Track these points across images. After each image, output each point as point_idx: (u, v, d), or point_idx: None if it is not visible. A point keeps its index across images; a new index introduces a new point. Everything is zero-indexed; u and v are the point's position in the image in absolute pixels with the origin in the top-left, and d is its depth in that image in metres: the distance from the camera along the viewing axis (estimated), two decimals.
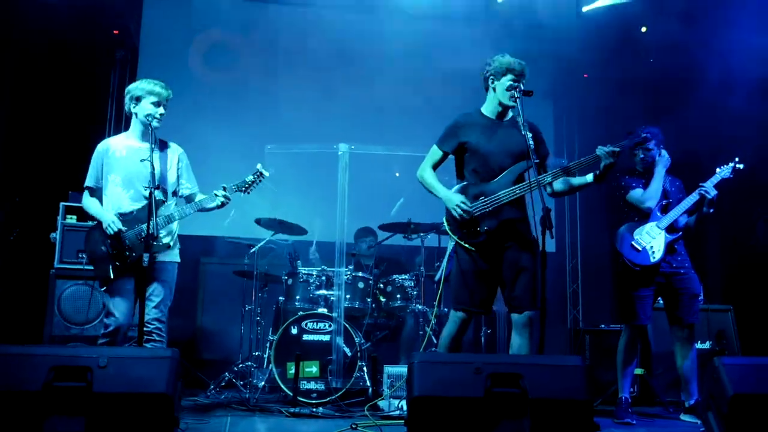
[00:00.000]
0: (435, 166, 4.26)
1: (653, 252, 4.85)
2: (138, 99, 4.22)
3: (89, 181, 4.29)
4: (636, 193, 4.98)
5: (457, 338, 4.13)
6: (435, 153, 4.26)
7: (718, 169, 4.96)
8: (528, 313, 4.02)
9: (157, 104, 4.21)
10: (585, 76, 7.72)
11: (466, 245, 4.05)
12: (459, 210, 4.01)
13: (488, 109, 4.25)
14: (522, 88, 4.02)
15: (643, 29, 7.29)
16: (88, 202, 4.30)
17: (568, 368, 3.08)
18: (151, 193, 3.88)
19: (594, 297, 7.68)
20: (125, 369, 3.04)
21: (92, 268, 4.26)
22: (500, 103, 4.17)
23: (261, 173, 4.45)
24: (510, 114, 4.24)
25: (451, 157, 4.27)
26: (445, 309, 5.17)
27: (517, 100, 3.98)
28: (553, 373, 3.07)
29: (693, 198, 4.90)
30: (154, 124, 4.18)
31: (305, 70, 7.23)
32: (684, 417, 4.91)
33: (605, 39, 7.24)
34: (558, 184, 4.15)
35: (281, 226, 5.85)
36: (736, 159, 4.97)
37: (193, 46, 7.18)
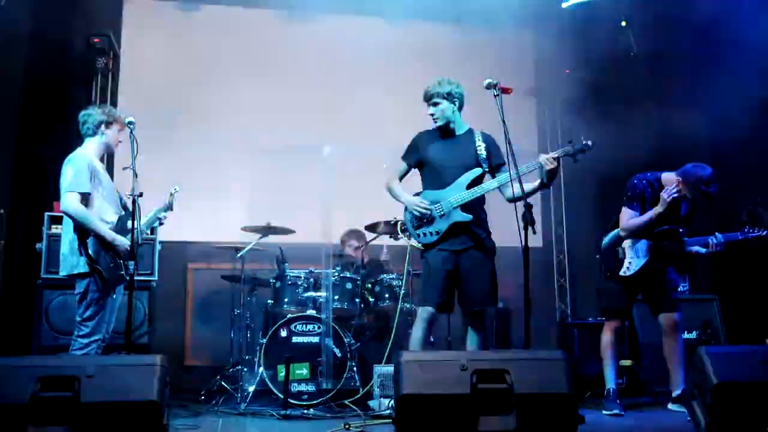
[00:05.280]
0: (401, 177, 4.67)
1: (627, 268, 4.94)
2: (109, 125, 4.45)
3: (84, 187, 4.21)
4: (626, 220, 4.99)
5: (424, 336, 4.40)
6: (400, 165, 4.67)
7: (746, 229, 4.99)
8: (478, 309, 4.46)
9: (120, 130, 4.50)
10: (567, 72, 7.76)
11: (419, 245, 4.47)
12: (417, 210, 4.43)
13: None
14: (500, 85, 4.06)
15: (623, 23, 7.33)
16: (91, 216, 4.22)
17: (552, 362, 3.12)
18: (134, 200, 3.91)
19: (582, 291, 7.71)
20: (113, 377, 3.05)
21: (104, 279, 4.27)
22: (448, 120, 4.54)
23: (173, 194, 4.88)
24: (465, 127, 4.61)
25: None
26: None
27: (496, 98, 4.02)
28: (537, 368, 3.11)
29: (699, 241, 4.98)
30: (114, 150, 4.59)
31: (288, 73, 7.22)
32: (671, 406, 4.96)
33: (586, 34, 7.28)
34: (511, 192, 4.38)
35: (268, 229, 5.85)
36: (766, 232, 5.00)
37: (173, 51, 7.17)
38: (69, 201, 4.19)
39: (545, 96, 7.99)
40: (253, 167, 6.69)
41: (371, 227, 6.11)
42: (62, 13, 6.60)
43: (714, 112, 6.10)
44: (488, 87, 4.09)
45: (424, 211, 4.42)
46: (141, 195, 4.04)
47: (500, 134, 4.09)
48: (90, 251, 4.17)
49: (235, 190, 6.78)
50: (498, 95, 4.03)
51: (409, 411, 3.09)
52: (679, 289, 5.16)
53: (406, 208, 4.57)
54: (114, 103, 7.15)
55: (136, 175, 4.00)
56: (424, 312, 4.40)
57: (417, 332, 4.40)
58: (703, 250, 5.02)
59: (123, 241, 4.26)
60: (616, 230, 5.04)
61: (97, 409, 2.97)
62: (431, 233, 4.43)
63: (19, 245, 5.95)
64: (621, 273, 4.96)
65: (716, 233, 4.98)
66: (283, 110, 7.04)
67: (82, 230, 4.21)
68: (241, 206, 6.48)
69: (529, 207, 3.80)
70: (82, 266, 4.22)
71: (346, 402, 5.16)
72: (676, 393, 4.94)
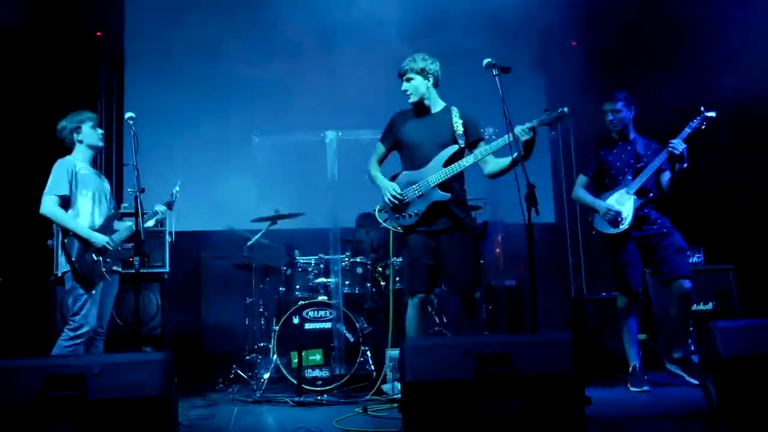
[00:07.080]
0: (380, 161, 4.64)
1: (621, 219, 4.85)
2: (78, 129, 4.53)
3: (62, 190, 4.41)
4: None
5: (420, 322, 4.40)
6: (378, 148, 4.64)
7: (690, 122, 4.85)
8: (468, 292, 4.32)
9: (95, 126, 4.58)
10: (573, 44, 7.63)
11: (398, 228, 4.44)
12: (388, 195, 4.37)
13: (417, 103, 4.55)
14: (498, 64, 3.99)
15: None
16: (66, 216, 4.42)
17: (555, 345, 3.11)
18: (136, 197, 3.93)
19: (596, 266, 7.63)
20: (119, 375, 3.10)
21: (81, 275, 4.38)
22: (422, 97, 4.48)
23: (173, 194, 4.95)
24: (442, 105, 4.54)
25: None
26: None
27: (496, 77, 3.96)
28: (541, 351, 3.09)
29: (662, 157, 4.83)
30: (101, 144, 4.63)
31: (290, 58, 7.17)
32: (669, 366, 4.94)
33: (592, 5, 7.14)
34: (490, 167, 4.31)
35: (277, 216, 5.86)
36: (702, 108, 4.86)
37: (177, 39, 7.13)
38: (44, 203, 4.42)
39: (552, 69, 7.85)
40: (254, 154, 6.68)
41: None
42: (64, 6, 6.60)
43: (730, 77, 5.96)
44: (487, 67, 4.02)
45: (393, 199, 4.36)
46: (143, 191, 4.06)
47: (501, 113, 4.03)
48: (71, 249, 4.34)
49: (245, 179, 6.77)
50: (498, 75, 3.96)
51: (414, 397, 3.09)
52: (687, 252, 5.01)
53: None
54: (120, 95, 7.19)
55: (137, 171, 4.02)
56: (414, 300, 4.38)
57: (411, 323, 4.40)
58: (667, 179, 4.93)
59: (99, 239, 4.41)
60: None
61: (104, 407, 3.01)
62: (410, 215, 4.35)
63: (31, 241, 5.99)
64: (620, 228, 4.84)
65: (669, 141, 4.80)
66: (285, 95, 7.01)
67: (63, 230, 4.42)
68: (250, 195, 6.47)
69: (531, 188, 3.73)
70: (64, 264, 4.42)
71: (375, 385, 5.19)
72: (677, 355, 4.89)
